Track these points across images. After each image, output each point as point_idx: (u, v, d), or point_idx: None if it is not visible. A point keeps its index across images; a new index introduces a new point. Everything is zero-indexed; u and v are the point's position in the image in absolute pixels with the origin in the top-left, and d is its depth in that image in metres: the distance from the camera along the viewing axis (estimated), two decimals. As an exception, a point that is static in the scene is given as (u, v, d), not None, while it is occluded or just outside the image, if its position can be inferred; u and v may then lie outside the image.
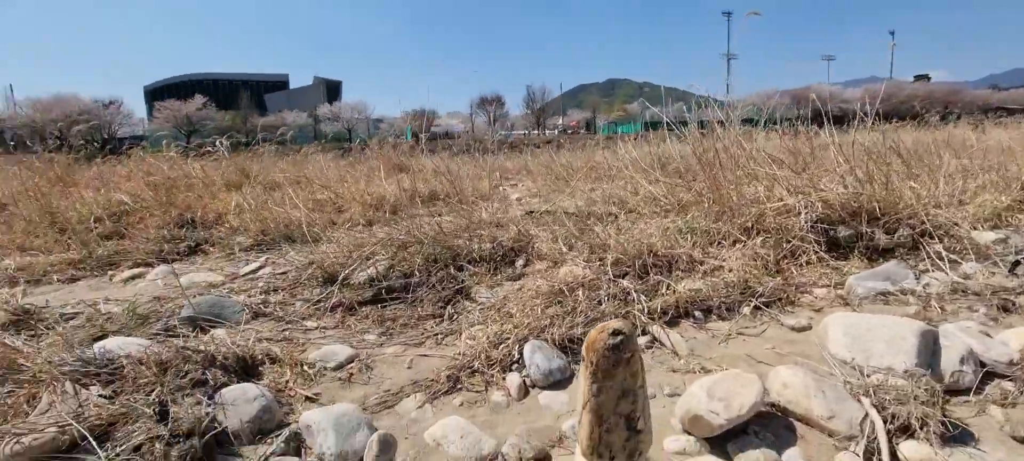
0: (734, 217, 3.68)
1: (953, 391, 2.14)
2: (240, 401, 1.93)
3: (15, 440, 1.59)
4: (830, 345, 2.41)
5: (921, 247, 3.55)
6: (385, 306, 2.94)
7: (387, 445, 1.87)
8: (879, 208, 3.72)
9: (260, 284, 3.29)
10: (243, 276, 3.47)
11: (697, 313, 2.78)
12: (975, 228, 3.88)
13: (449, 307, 2.92)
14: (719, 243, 3.49)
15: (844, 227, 3.78)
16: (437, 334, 2.70)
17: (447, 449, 1.89)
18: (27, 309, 2.75)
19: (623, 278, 2.90)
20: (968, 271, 3.27)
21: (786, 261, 3.32)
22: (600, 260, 3.15)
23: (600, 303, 2.71)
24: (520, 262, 3.53)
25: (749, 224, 3.66)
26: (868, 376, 2.14)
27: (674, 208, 4.08)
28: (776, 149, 4.96)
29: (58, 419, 1.68)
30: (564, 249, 3.39)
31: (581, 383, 1.59)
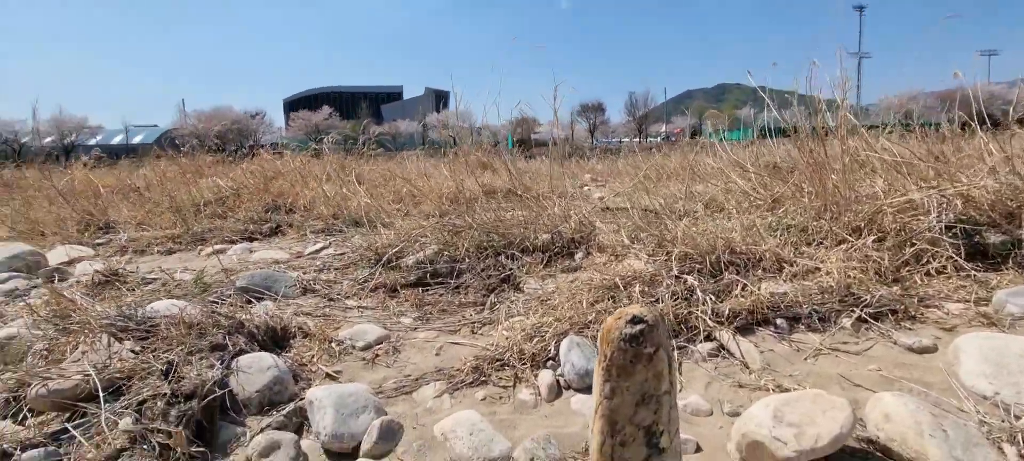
0: (840, 214, 3.07)
1: None
2: (253, 369, 1.89)
3: (42, 383, 1.65)
4: (962, 374, 1.84)
5: (1115, 262, 2.69)
6: (428, 290, 2.82)
7: (389, 433, 1.71)
8: (1049, 207, 2.89)
9: (317, 263, 3.34)
10: (307, 255, 3.57)
11: (779, 321, 2.30)
12: None
13: (493, 296, 2.73)
14: (818, 244, 2.92)
15: (994, 231, 2.99)
16: (475, 323, 2.52)
17: (453, 445, 1.68)
18: (116, 272, 3.03)
19: (690, 274, 2.50)
20: None
21: (908, 268, 2.68)
22: (667, 254, 2.77)
23: (657, 301, 2.35)
24: (579, 255, 3.24)
25: (860, 224, 3.03)
26: (1018, 419, 1.58)
27: (766, 204, 3.52)
28: (908, 151, 4.09)
29: (85, 368, 1.73)
30: (627, 242, 3.04)
31: (595, 381, 1.30)
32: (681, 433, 1.74)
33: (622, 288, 2.46)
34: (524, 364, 2.12)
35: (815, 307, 2.34)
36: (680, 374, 2.07)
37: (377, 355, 2.24)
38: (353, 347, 2.29)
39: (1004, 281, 2.60)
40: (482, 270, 2.91)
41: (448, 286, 2.83)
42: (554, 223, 3.44)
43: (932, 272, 2.66)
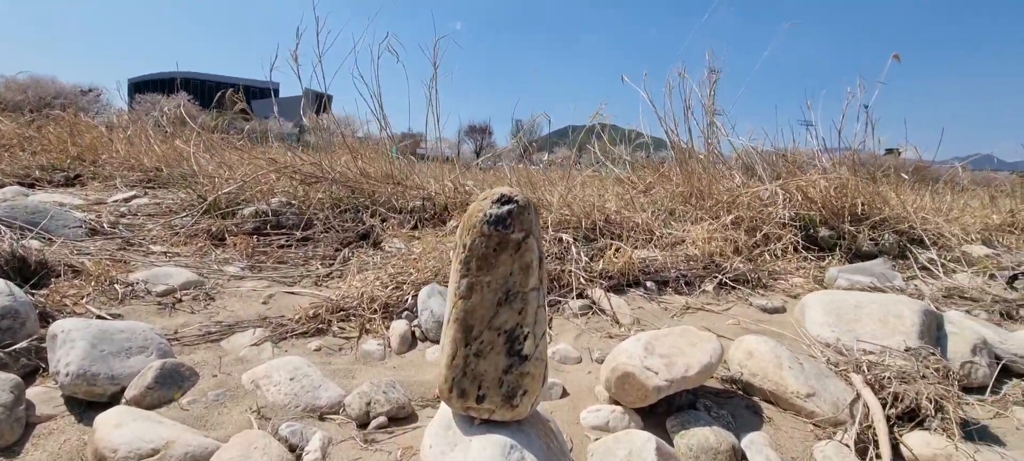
0: (703, 200, 3.22)
1: (964, 388, 1.64)
2: (-31, 297, 1.32)
3: None
4: (809, 325, 1.91)
5: (909, 254, 3.13)
6: (266, 239, 2.35)
7: (172, 378, 1.27)
8: (863, 206, 3.30)
9: (122, 210, 2.66)
10: (111, 203, 2.83)
11: (649, 283, 2.26)
12: (965, 242, 3.48)
13: (347, 251, 2.34)
14: (683, 220, 3.00)
15: (825, 227, 3.35)
16: (321, 275, 2.12)
17: (266, 393, 1.29)
18: None
19: (565, 233, 2.37)
20: (962, 282, 2.83)
21: (759, 249, 2.84)
22: (544, 221, 2.62)
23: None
24: (452, 222, 2.98)
25: (720, 210, 3.19)
26: (864, 354, 1.63)
27: (638, 189, 3.60)
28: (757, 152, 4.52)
29: None
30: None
31: (451, 282, 1.04)
32: (549, 377, 1.55)
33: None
34: (374, 314, 1.79)
35: (682, 272, 2.34)
36: (550, 328, 1.90)
37: (180, 301, 1.75)
38: (148, 292, 1.76)
39: (834, 262, 2.88)
40: (337, 226, 2.51)
41: (293, 238, 2.39)
42: (426, 190, 3.15)
43: (778, 253, 2.85)
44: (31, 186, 3.19)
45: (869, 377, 1.41)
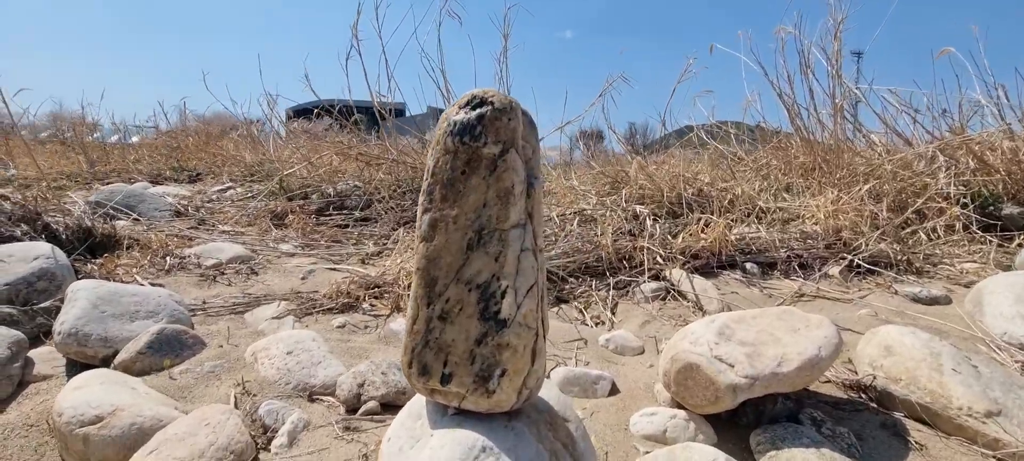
0: (830, 173, 2.60)
1: None
2: (15, 259, 1.36)
3: None
4: (990, 318, 1.34)
5: None
6: (326, 219, 2.30)
7: (170, 344, 1.18)
8: (1076, 173, 2.43)
9: (214, 197, 2.82)
10: (210, 193, 3.05)
11: (750, 265, 1.80)
12: None
13: (402, 230, 2.21)
14: (803, 193, 2.43)
15: (1013, 203, 2.53)
16: (370, 254, 2.00)
17: (260, 367, 1.15)
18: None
19: (641, 205, 2.01)
20: None
21: (910, 228, 2.19)
22: (620, 195, 2.27)
23: (599, 234, 1.85)
24: (523, 205, 2.73)
25: (858, 182, 2.55)
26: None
27: (748, 163, 3.03)
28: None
29: None
30: (576, 185, 2.54)
31: (418, 222, 0.79)
32: (595, 369, 1.23)
33: (556, 221, 1.96)
34: (407, 290, 1.60)
35: (795, 252, 1.84)
36: (613, 314, 1.56)
37: (223, 273, 1.71)
38: (198, 265, 1.76)
39: (1027, 244, 2.13)
40: (395, 207, 2.40)
41: (352, 217, 2.31)
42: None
43: (939, 230, 2.17)
44: (157, 182, 3.59)
45: (1104, 392, 0.88)
